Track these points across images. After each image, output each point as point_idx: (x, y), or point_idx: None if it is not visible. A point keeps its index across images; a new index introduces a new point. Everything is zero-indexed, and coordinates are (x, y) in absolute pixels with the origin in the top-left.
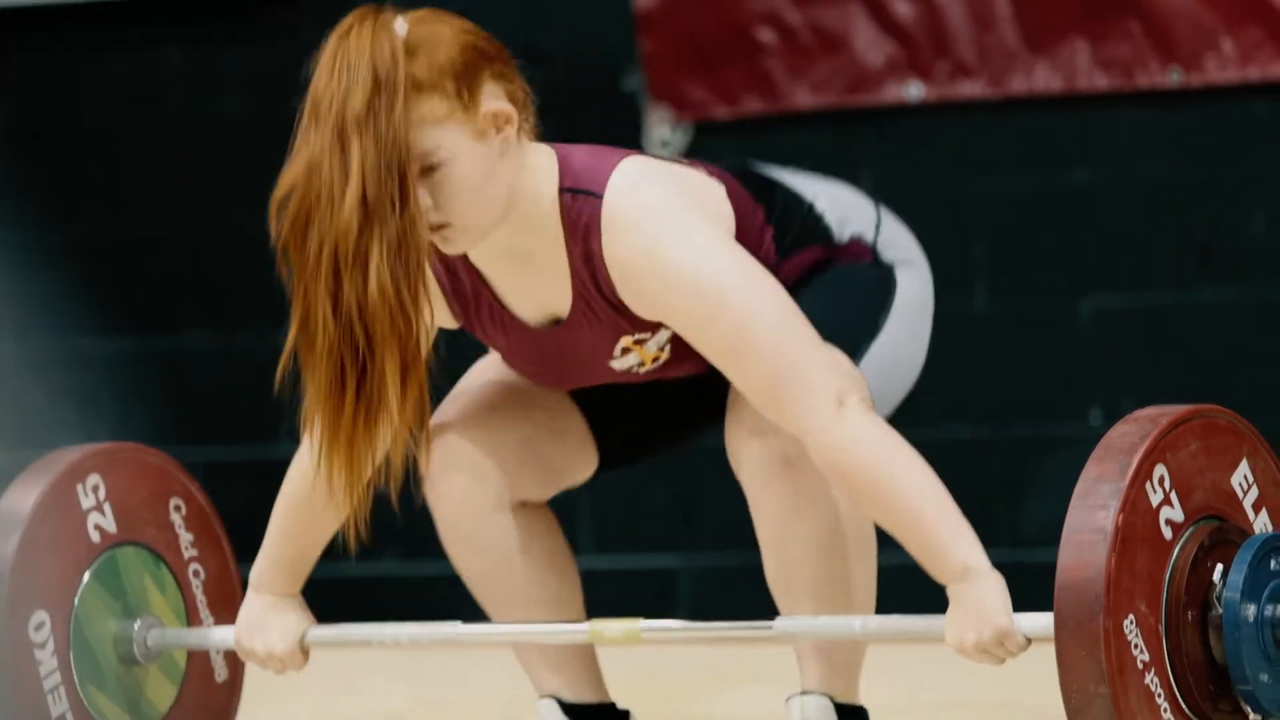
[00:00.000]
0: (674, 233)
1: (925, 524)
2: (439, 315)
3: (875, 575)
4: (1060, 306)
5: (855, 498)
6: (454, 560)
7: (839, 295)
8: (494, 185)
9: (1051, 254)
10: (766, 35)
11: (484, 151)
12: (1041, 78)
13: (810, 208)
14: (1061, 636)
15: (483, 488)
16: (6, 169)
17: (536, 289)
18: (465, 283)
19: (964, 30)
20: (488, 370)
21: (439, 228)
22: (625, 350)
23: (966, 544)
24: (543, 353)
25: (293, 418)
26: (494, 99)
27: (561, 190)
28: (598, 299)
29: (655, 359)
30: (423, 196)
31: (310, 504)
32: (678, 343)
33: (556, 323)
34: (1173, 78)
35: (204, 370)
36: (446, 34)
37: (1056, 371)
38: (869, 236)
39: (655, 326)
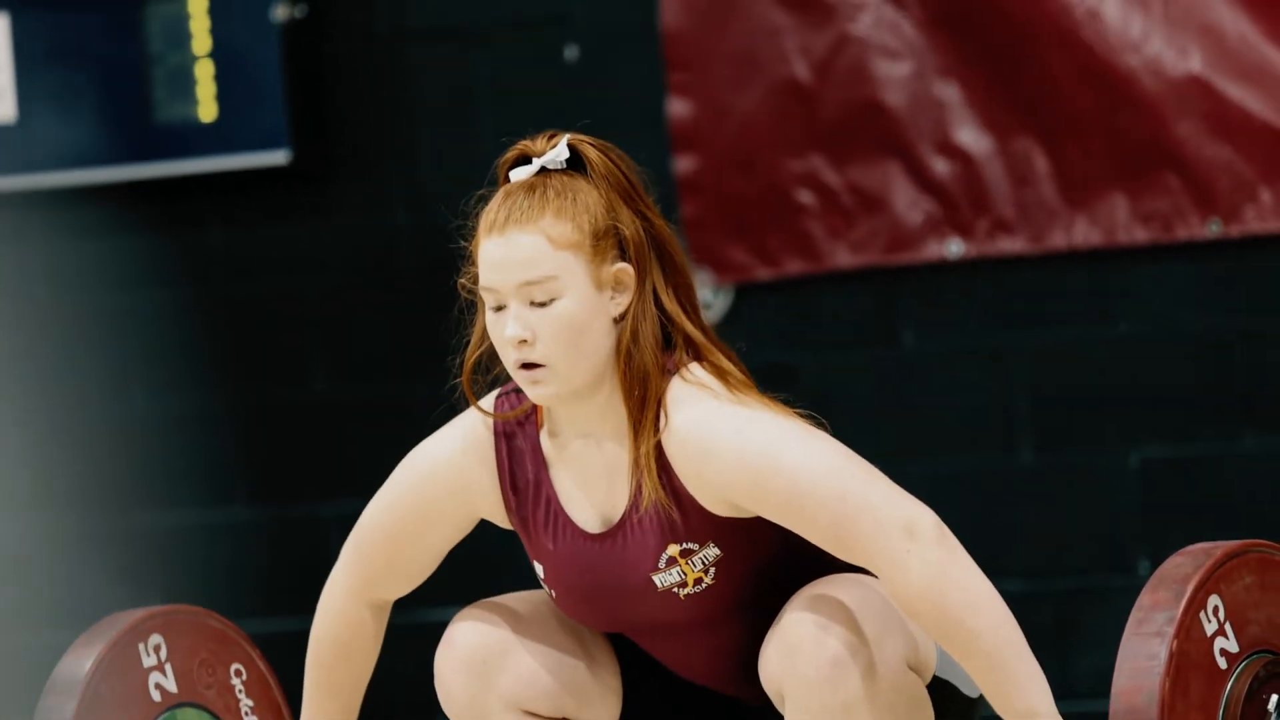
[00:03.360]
0: (723, 406)
1: (995, 665)
2: (488, 504)
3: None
4: (1105, 459)
5: (929, 631)
6: None
7: None
8: (594, 335)
9: (1095, 407)
10: (806, 197)
11: (596, 299)
12: (1081, 232)
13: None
14: None
15: (487, 690)
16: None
17: (597, 482)
18: (529, 472)
19: (1002, 187)
20: (531, 595)
21: (531, 367)
22: (671, 561)
23: (1033, 687)
24: (588, 562)
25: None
26: (621, 269)
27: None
28: (655, 491)
29: (698, 580)
30: (525, 330)
31: (348, 642)
32: (723, 568)
33: (606, 529)
34: (1212, 229)
35: (258, 542)
36: (622, 213)
37: (1103, 523)
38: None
39: (704, 539)
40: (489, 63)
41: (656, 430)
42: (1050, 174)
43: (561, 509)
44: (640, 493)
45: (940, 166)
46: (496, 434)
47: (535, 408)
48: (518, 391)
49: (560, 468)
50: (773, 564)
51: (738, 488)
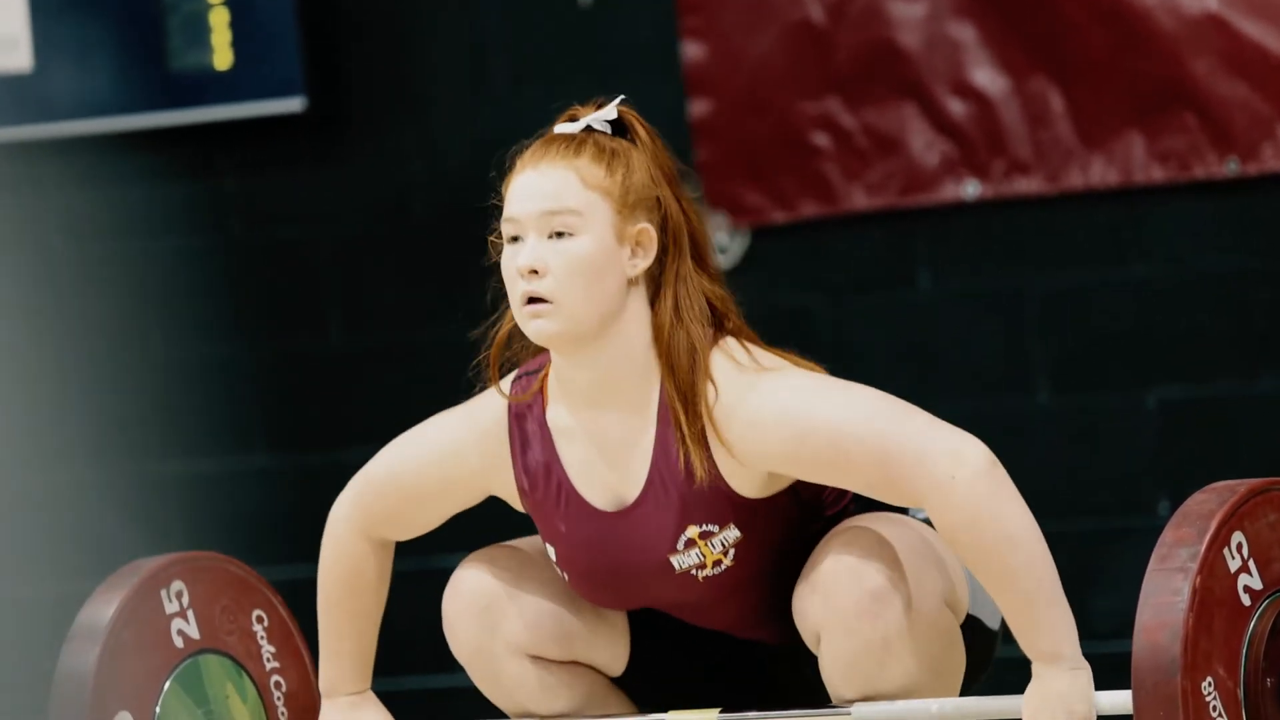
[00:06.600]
0: (760, 376)
1: (1027, 601)
2: (505, 488)
3: (963, 659)
4: (1124, 400)
5: (967, 561)
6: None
7: None
8: (605, 285)
9: (1113, 348)
10: (821, 139)
11: (615, 250)
12: (1098, 172)
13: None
14: (1139, 697)
15: (492, 634)
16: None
17: (609, 459)
18: (539, 455)
19: (1019, 127)
20: (538, 539)
21: (538, 301)
22: (689, 543)
23: (1063, 629)
24: (602, 543)
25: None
26: (644, 230)
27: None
28: (677, 468)
29: (717, 562)
30: (538, 260)
31: (354, 573)
32: (743, 550)
33: (621, 508)
34: (1230, 168)
35: (278, 490)
36: (663, 188)
37: (1122, 464)
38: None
39: (725, 520)
40: (503, 8)
41: (708, 404)
42: (1066, 114)
43: (573, 489)
44: (659, 470)
45: (956, 107)
46: (512, 417)
47: (541, 387)
48: (530, 374)
49: (569, 444)
50: (791, 539)
51: (781, 452)
